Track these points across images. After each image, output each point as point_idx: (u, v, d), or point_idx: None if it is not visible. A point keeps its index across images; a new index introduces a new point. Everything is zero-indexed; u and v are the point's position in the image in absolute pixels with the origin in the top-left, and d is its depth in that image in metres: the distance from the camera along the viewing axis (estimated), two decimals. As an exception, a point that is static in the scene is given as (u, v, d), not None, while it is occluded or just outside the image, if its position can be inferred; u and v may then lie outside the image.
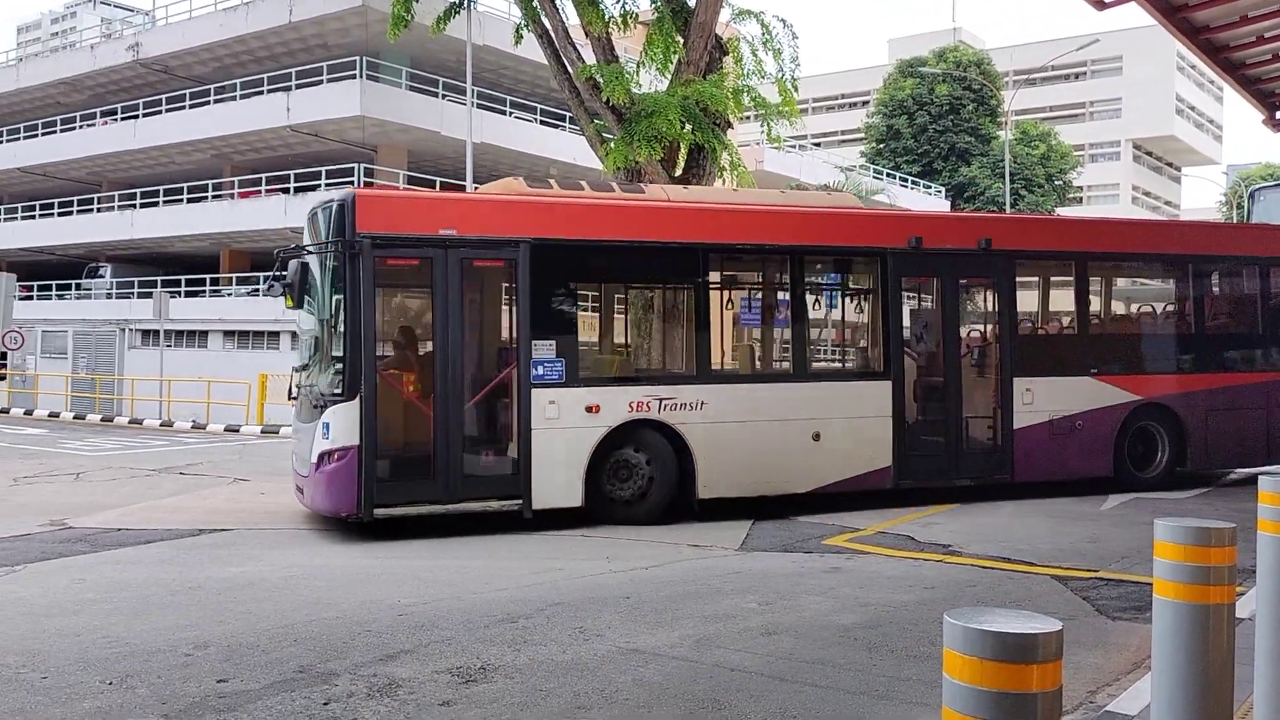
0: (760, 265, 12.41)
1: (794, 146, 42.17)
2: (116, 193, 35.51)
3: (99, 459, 17.20)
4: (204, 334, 28.08)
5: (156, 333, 26.73)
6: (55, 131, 35.43)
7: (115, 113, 33.95)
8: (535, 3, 16.47)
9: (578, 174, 29.20)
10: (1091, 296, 13.04)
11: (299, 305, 10.33)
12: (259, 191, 30.40)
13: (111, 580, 8.05)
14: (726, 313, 12.27)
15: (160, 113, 32.06)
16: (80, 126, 34.98)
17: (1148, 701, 4.47)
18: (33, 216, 36.91)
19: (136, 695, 5.25)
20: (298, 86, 28.36)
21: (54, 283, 35.73)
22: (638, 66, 16.49)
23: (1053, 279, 13.72)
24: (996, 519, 10.92)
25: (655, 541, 9.65)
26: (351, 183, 27.22)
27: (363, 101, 26.73)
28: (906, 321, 12.23)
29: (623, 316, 12.79)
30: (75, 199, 35.72)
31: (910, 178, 48.43)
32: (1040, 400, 12.09)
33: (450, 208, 10.87)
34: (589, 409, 10.37)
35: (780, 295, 12.08)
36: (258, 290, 26.59)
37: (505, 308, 10.75)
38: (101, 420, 25.80)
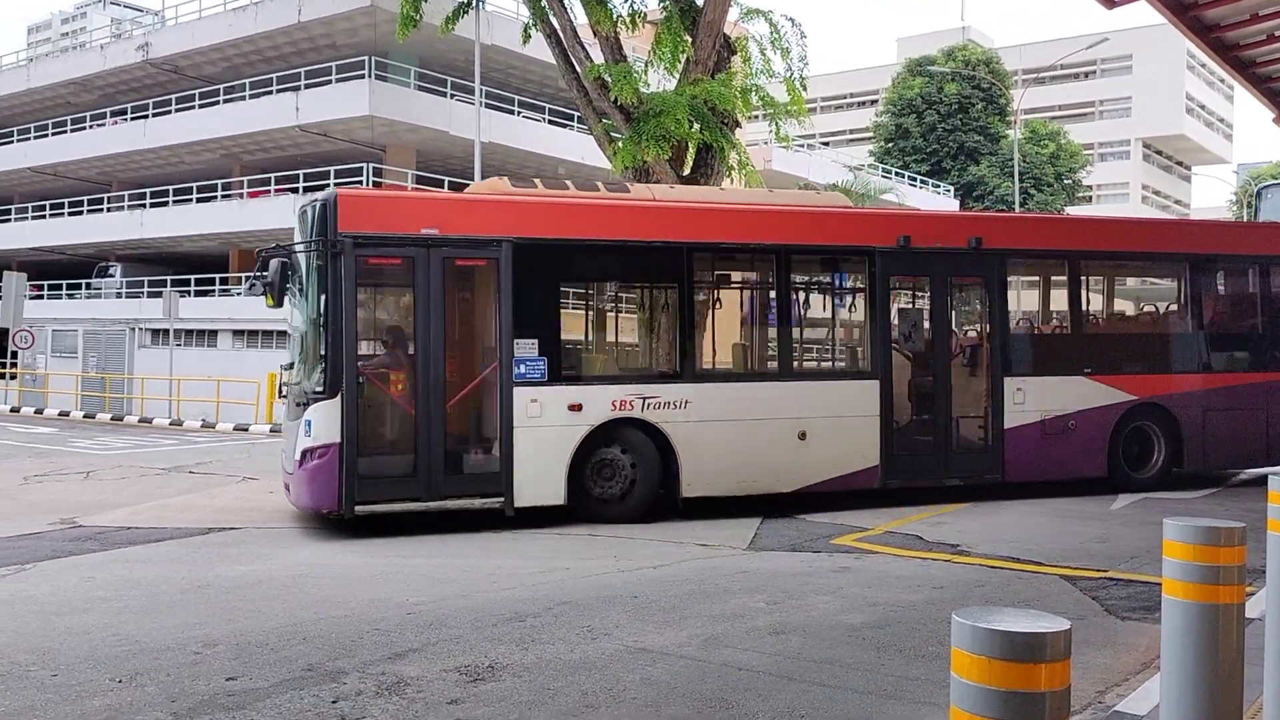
0: (745, 264, 12.41)
1: (802, 146, 42.17)
2: (126, 192, 35.62)
3: (109, 458, 17.25)
4: (213, 333, 28.15)
5: (166, 332, 26.81)
6: (65, 131, 35.54)
7: (125, 113, 34.06)
8: (543, 2, 16.49)
9: (586, 173, 29.21)
10: (1085, 295, 12.93)
11: (279, 304, 10.50)
12: (268, 191, 30.47)
13: (121, 578, 8.08)
14: (711, 312, 12.31)
15: (170, 113, 32.15)
16: (90, 126, 35.09)
17: (1157, 702, 4.45)
18: (43, 216, 37.04)
19: (146, 693, 5.27)
20: (306, 86, 28.41)
21: (64, 282, 35.86)
22: (646, 66, 16.49)
23: (1045, 278, 13.69)
24: (1005, 519, 10.90)
25: (662, 541, 9.65)
26: (361, 182, 27.28)
27: (371, 101, 26.76)
28: (895, 321, 12.21)
29: (606, 315, 12.81)
30: (85, 199, 35.84)
31: (919, 177, 48.34)
32: (1032, 400, 12.04)
33: (432, 207, 10.93)
34: (571, 407, 10.43)
35: (765, 294, 12.09)
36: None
37: (487, 307, 10.78)
38: (111, 419, 25.88)
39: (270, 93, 29.35)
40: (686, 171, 16.38)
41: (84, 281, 35.70)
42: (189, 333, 28.27)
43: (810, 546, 9.41)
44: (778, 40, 16.86)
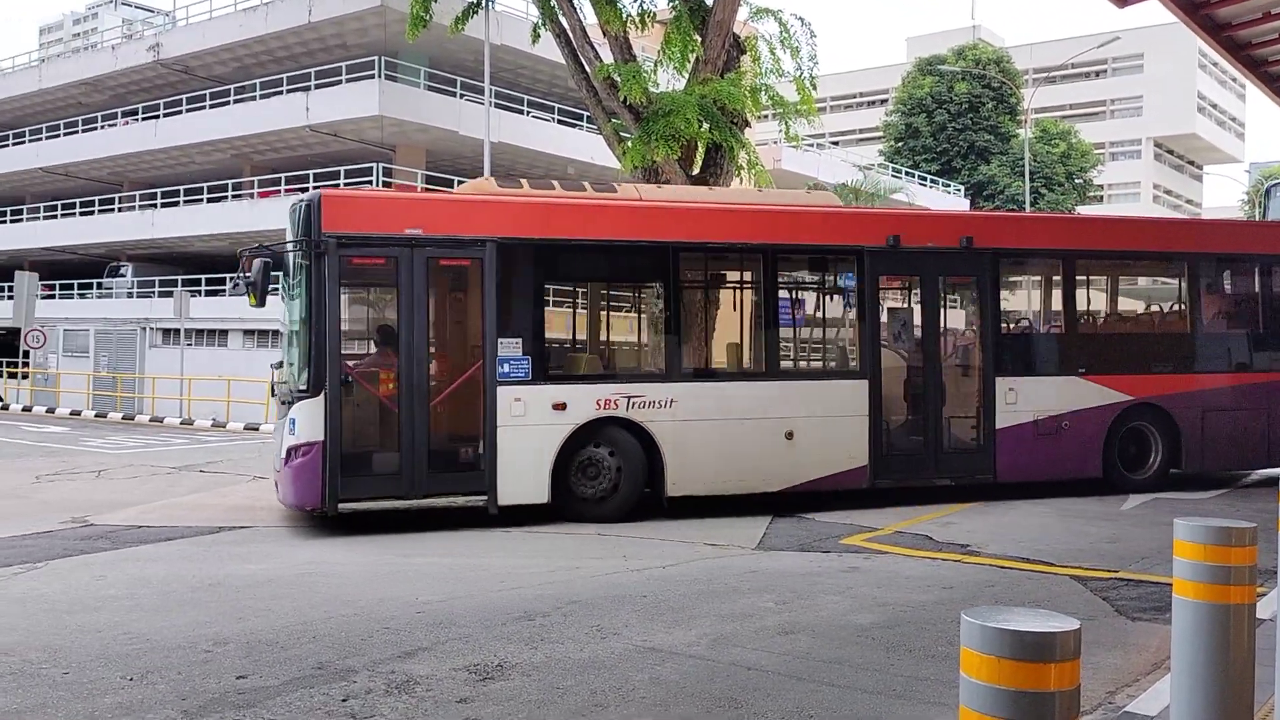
0: (732, 264, 12.36)
1: (812, 145, 42.09)
2: (137, 192, 35.74)
3: (120, 457, 17.32)
4: (224, 333, 28.26)
5: (177, 331, 26.91)
6: (77, 131, 35.67)
7: (136, 113, 34.17)
8: (553, 2, 16.50)
9: (595, 173, 29.25)
10: (1079, 295, 12.84)
11: (261, 303, 10.60)
12: (278, 191, 30.54)
13: (132, 577, 8.11)
14: (697, 311, 12.34)
15: (180, 113, 32.26)
16: (101, 126, 35.22)
17: (1167, 702, 4.44)
18: (54, 216, 37.19)
19: (157, 691, 5.29)
20: (317, 87, 28.48)
21: (75, 282, 36.00)
22: (655, 65, 16.48)
23: (1038, 278, 13.63)
24: (1015, 519, 10.88)
25: (672, 540, 9.65)
26: (370, 182, 27.33)
27: (381, 101, 26.81)
28: (885, 320, 12.16)
29: (591, 315, 12.83)
30: (96, 199, 35.98)
31: (929, 176, 48.24)
32: (1024, 400, 11.99)
33: (416, 208, 10.98)
34: (555, 406, 10.47)
35: (753, 294, 12.05)
36: (276, 289, 26.76)
37: (472, 306, 10.83)
38: (122, 418, 25.99)
39: (280, 93, 29.42)
40: (696, 171, 16.37)
41: (95, 281, 35.84)
42: (199, 332, 28.39)
43: (819, 546, 9.41)
44: (787, 39, 16.85)
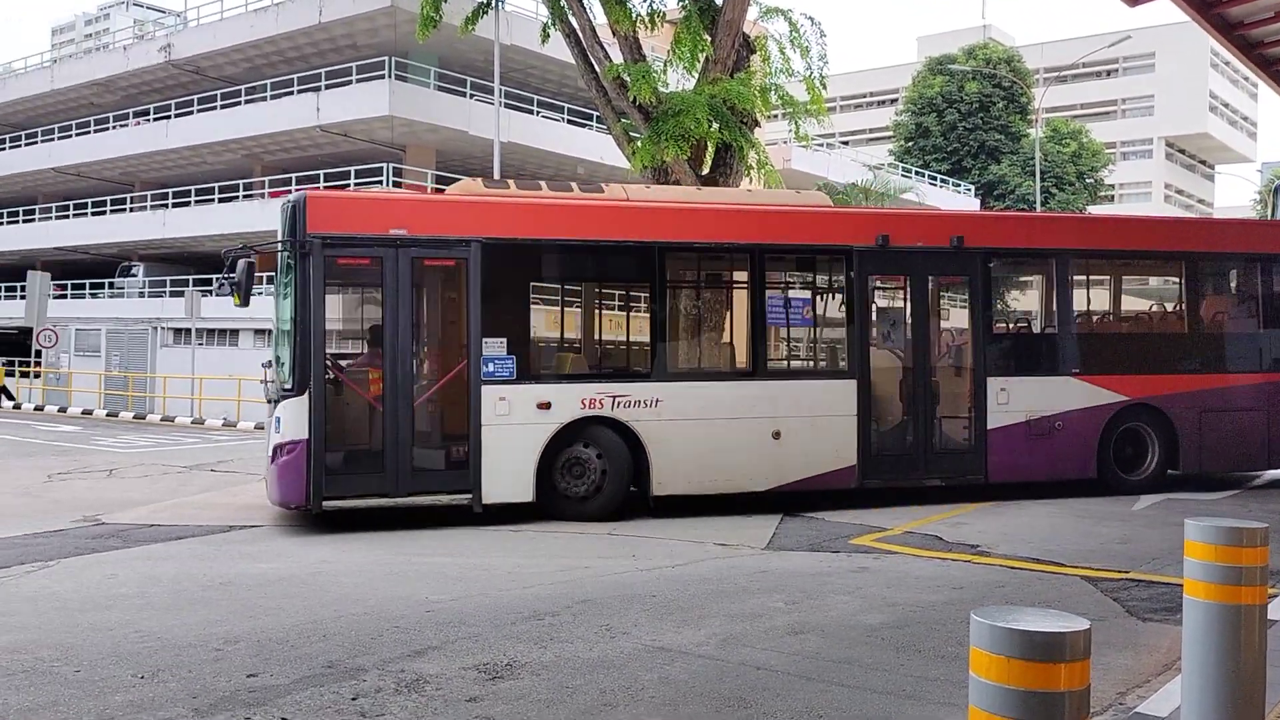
0: (718, 264, 12.34)
1: (822, 145, 42.04)
2: (149, 192, 35.89)
3: (131, 456, 17.39)
4: (235, 332, 28.33)
5: (188, 331, 27.00)
6: (89, 132, 35.83)
7: (148, 113, 34.30)
8: (562, 2, 16.50)
9: (605, 172, 29.25)
10: (1072, 294, 12.76)
11: (245, 303, 10.73)
12: (289, 191, 30.56)
13: (143, 576, 8.14)
14: (683, 311, 12.36)
15: (192, 113, 32.36)
16: (113, 127, 35.35)
17: (1178, 704, 4.43)
18: (66, 216, 37.35)
19: (167, 689, 5.31)
20: (327, 87, 28.54)
21: (87, 282, 36.15)
22: (665, 65, 16.48)
23: (1030, 277, 13.56)
24: (1026, 519, 10.85)
25: (681, 540, 9.65)
26: (380, 182, 27.39)
27: (391, 101, 26.86)
28: (874, 320, 12.13)
29: (576, 315, 12.86)
30: (108, 199, 36.12)
31: (939, 176, 48.15)
32: (1016, 400, 11.93)
33: (401, 208, 11.04)
34: (540, 405, 10.53)
35: (739, 294, 12.02)
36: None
37: (457, 306, 10.89)
38: (134, 418, 26.08)
39: (291, 93, 29.51)
40: (705, 171, 16.35)
41: (107, 281, 35.98)
42: (210, 332, 28.47)
43: (829, 546, 9.40)
44: (797, 39, 16.81)
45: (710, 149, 16.43)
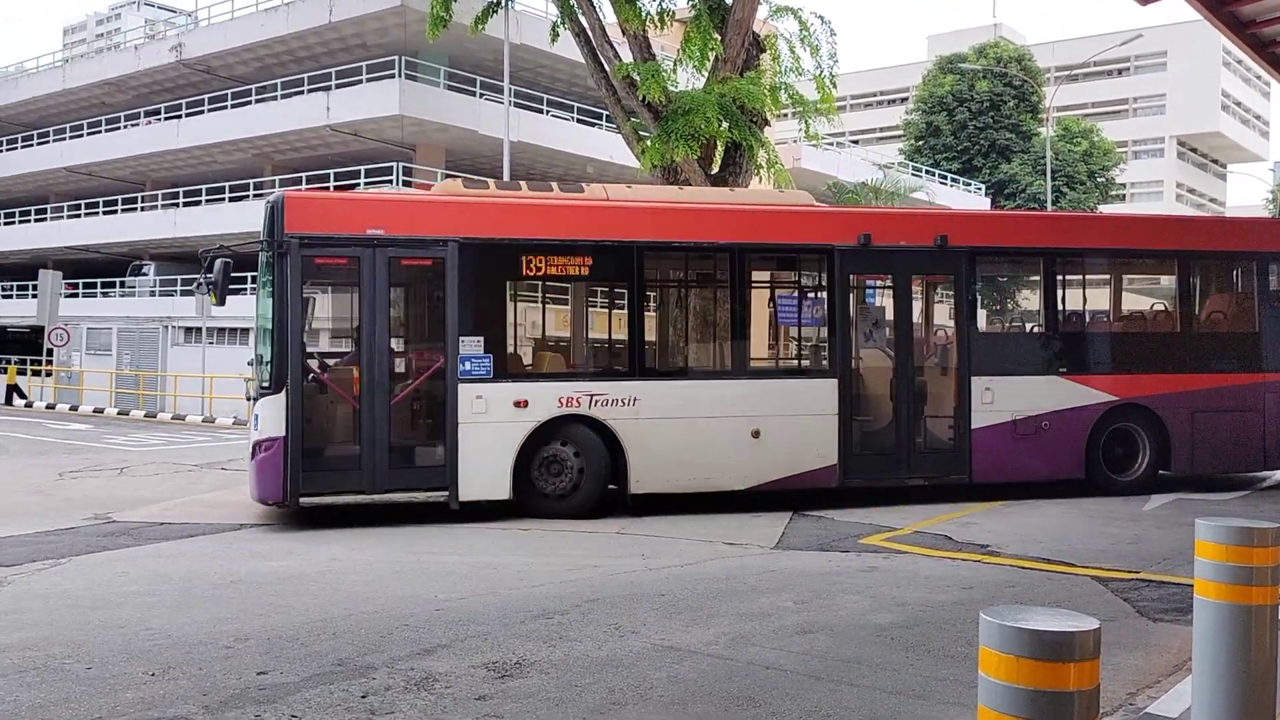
0: (698, 263, 12.31)
1: (832, 144, 41.97)
2: (160, 192, 36.01)
3: (142, 454, 17.45)
4: (245, 331, 28.34)
5: (199, 330, 27.08)
6: (100, 131, 35.95)
7: (159, 113, 34.41)
8: (572, 1, 16.51)
9: (614, 172, 29.27)
10: (1059, 293, 12.65)
11: (222, 302, 11.06)
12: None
13: (154, 573, 8.17)
14: (662, 311, 12.39)
15: (202, 113, 32.46)
16: (124, 126, 35.48)
17: (1189, 704, 4.42)
18: (78, 215, 37.49)
19: (178, 686, 5.33)
20: (337, 86, 28.60)
21: (99, 280, 36.28)
22: (675, 64, 16.48)
23: (1016, 276, 13.49)
24: (1036, 519, 10.82)
25: (690, 539, 9.65)
26: (390, 182, 27.43)
27: (401, 101, 26.90)
28: (856, 319, 12.09)
29: (554, 314, 12.94)
30: (119, 198, 36.25)
31: (950, 175, 48.03)
32: (1002, 400, 11.87)
33: (379, 208, 11.12)
34: (517, 404, 10.61)
35: (719, 293, 12.04)
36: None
37: (434, 305, 10.97)
38: (145, 416, 26.18)
39: (301, 93, 29.57)
40: (715, 170, 16.36)
41: (118, 280, 36.11)
42: (221, 330, 28.54)
43: (838, 546, 9.39)
44: (807, 38, 16.80)
45: (720, 148, 16.42)
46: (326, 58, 30.47)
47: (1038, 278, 12.71)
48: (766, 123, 16.65)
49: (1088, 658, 2.55)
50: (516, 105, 27.70)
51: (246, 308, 28.61)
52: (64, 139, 37.38)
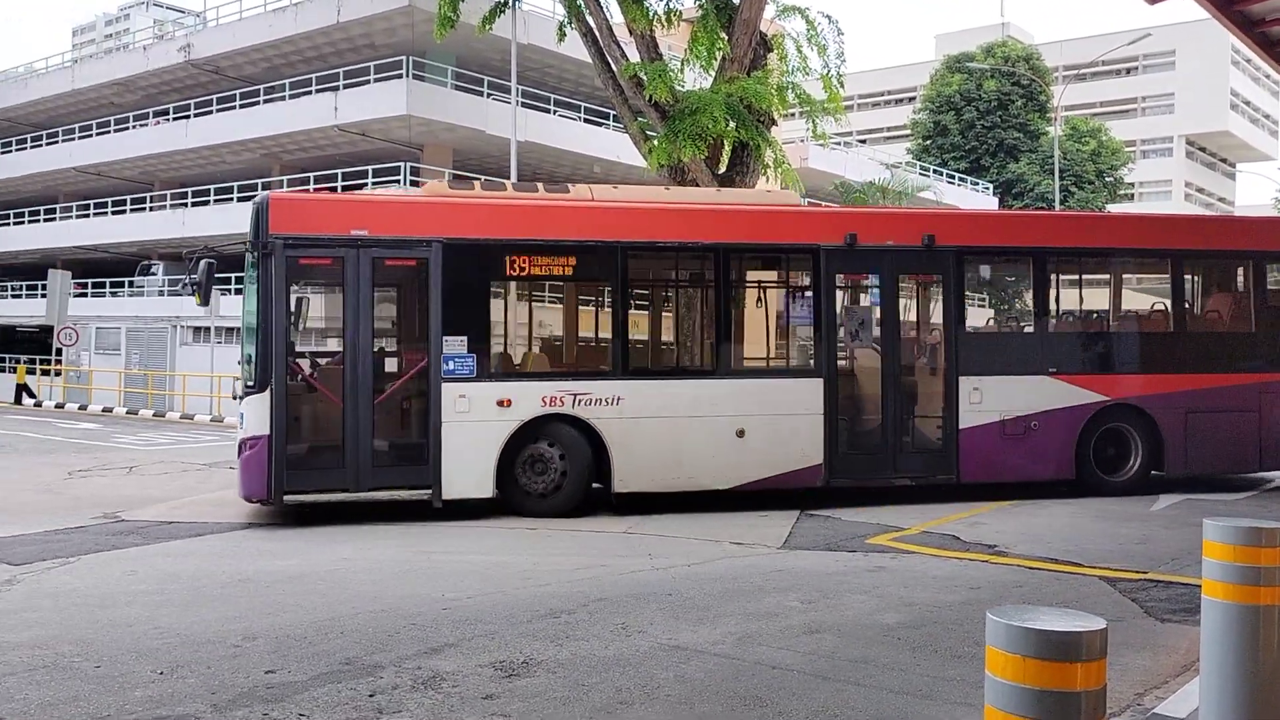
0: (682, 263, 12.30)
1: (839, 144, 41.93)
2: (168, 192, 36.07)
3: (151, 453, 17.51)
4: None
5: (207, 329, 27.14)
6: (109, 131, 36.02)
7: (167, 113, 34.47)
8: (579, 1, 16.52)
9: (621, 171, 29.29)
10: (1049, 293, 12.59)
11: (205, 303, 11.22)
12: (307, 190, 30.76)
13: (163, 572, 8.20)
14: (646, 310, 12.41)
15: (211, 113, 32.51)
16: (133, 127, 35.55)
17: (1196, 705, 4.41)
18: (87, 215, 37.59)
19: (187, 684, 5.35)
20: (345, 86, 28.63)
21: (107, 280, 36.37)
22: (682, 64, 16.48)
23: (1005, 276, 13.44)
24: (1044, 519, 10.80)
25: (697, 539, 9.66)
26: (398, 182, 27.47)
27: (409, 101, 26.93)
28: (842, 319, 12.09)
29: (538, 313, 12.96)
30: (128, 198, 36.33)
31: (957, 174, 47.96)
32: (990, 400, 11.82)
33: (363, 209, 11.15)
34: (500, 403, 10.68)
35: (703, 293, 12.04)
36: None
37: (418, 305, 11.04)
38: (153, 415, 26.25)
39: (309, 93, 29.61)
40: (722, 170, 16.35)
41: (127, 280, 36.20)
42: (230, 330, 28.58)
43: (846, 546, 9.38)
44: (814, 37, 16.79)
45: (727, 148, 16.43)
46: (334, 58, 30.52)
47: (1027, 277, 12.69)
48: (774, 122, 16.65)
49: (1095, 658, 2.55)
50: (524, 105, 27.71)
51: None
52: (73, 139, 37.47)
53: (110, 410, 27.61)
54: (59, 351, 30.64)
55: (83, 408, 28.78)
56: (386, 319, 11.27)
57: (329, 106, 28.64)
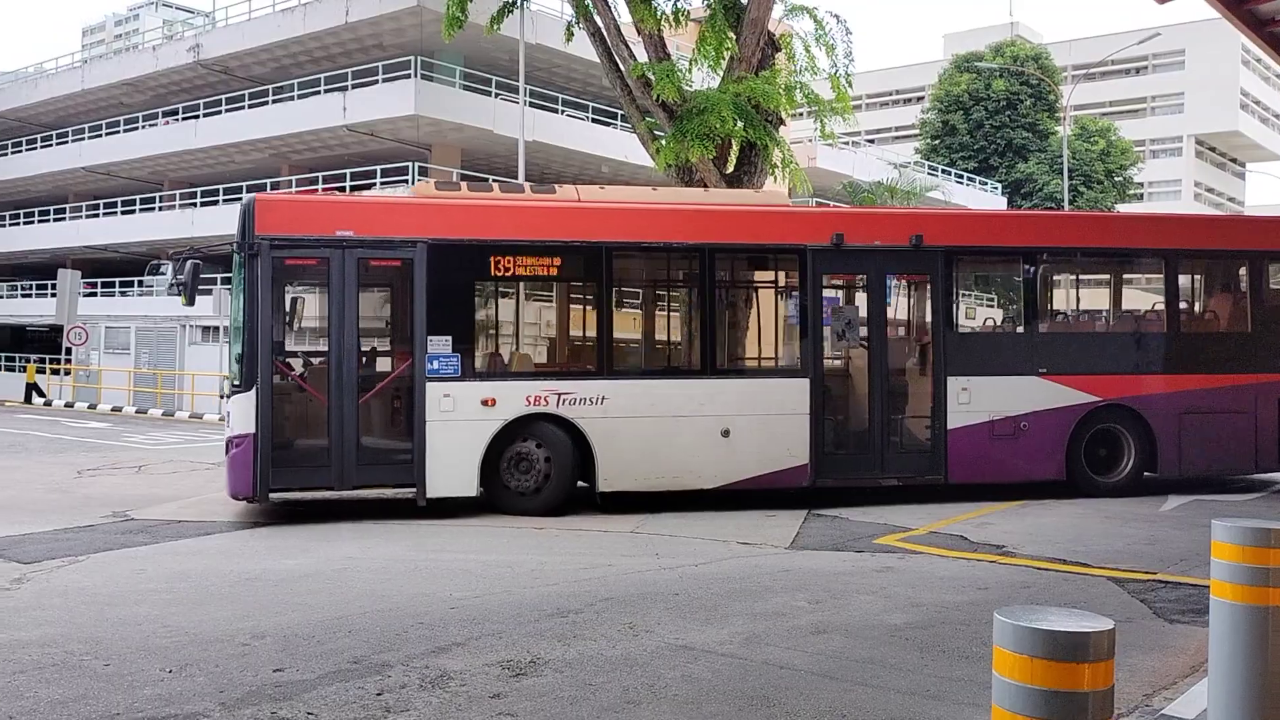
0: (668, 263, 12.32)
1: (847, 144, 41.88)
2: (178, 192, 36.19)
3: (160, 452, 17.56)
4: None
5: (216, 329, 27.21)
6: (118, 131, 36.15)
7: (176, 113, 34.59)
8: (587, 1, 16.52)
9: (629, 171, 29.29)
10: (1039, 293, 12.56)
11: (191, 303, 11.32)
12: (316, 190, 30.80)
13: (172, 571, 8.23)
14: (631, 310, 12.41)
15: (220, 113, 32.61)
16: (142, 127, 35.67)
17: (1204, 706, 4.40)
18: (96, 215, 37.72)
19: (195, 683, 5.36)
20: (354, 86, 28.69)
21: (117, 280, 36.49)
22: (690, 64, 16.48)
23: (995, 276, 13.39)
24: (1053, 520, 10.78)
25: (705, 539, 9.66)
26: (407, 181, 27.50)
27: (417, 101, 26.97)
28: (829, 319, 12.08)
29: (523, 313, 12.93)
30: (138, 198, 36.45)
31: (966, 174, 47.88)
32: (979, 400, 11.78)
33: (348, 210, 11.24)
34: (484, 402, 10.74)
35: (689, 293, 12.06)
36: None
37: (403, 305, 11.12)
38: (162, 415, 26.33)
39: (318, 93, 29.68)
40: (730, 170, 16.35)
41: (136, 279, 36.32)
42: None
43: (853, 546, 9.37)
44: (823, 37, 16.78)
45: (735, 148, 16.42)
46: (343, 58, 30.58)
47: (1017, 277, 12.64)
48: (782, 122, 16.64)
49: (1102, 658, 2.54)
50: (532, 105, 27.74)
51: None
52: (83, 139, 37.60)
53: (119, 409, 27.70)
54: (69, 351, 30.76)
55: (92, 407, 28.88)
56: (372, 319, 11.39)
57: (338, 106, 28.70)
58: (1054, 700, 2.52)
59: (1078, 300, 13.75)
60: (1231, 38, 56.71)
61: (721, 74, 16.32)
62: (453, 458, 10.63)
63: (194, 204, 34.25)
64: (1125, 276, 13.65)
